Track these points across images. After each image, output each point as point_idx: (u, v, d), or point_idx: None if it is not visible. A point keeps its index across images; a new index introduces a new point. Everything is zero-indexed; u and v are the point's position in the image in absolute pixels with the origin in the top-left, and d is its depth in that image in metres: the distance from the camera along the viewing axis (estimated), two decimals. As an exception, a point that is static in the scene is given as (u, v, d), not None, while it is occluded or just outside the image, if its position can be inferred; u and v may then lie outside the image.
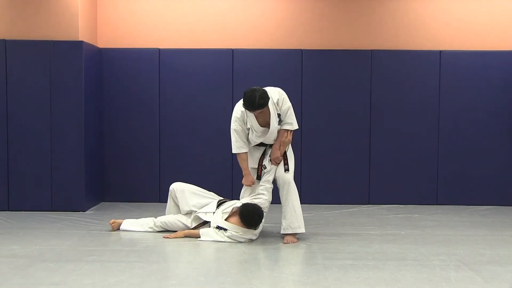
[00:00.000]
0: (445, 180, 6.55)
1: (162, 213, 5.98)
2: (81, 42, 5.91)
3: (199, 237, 4.74)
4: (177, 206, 5.17)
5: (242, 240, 4.72)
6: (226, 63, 6.52)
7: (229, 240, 4.69)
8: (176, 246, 4.57)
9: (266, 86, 6.73)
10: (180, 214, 5.07)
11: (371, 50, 6.53)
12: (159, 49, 6.49)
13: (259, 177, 4.95)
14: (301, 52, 6.51)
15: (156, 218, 5.15)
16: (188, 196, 5.04)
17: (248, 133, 4.85)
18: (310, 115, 6.51)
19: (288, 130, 4.93)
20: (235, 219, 4.75)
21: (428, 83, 6.51)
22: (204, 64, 6.52)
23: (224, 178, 6.56)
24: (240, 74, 6.50)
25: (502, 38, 6.61)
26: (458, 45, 6.61)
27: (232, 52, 6.52)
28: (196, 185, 6.62)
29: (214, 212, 4.86)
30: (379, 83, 6.51)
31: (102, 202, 6.56)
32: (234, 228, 4.70)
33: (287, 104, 4.93)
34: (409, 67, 6.51)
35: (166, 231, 5.03)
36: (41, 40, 5.91)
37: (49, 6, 5.94)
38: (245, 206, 4.68)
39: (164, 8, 6.63)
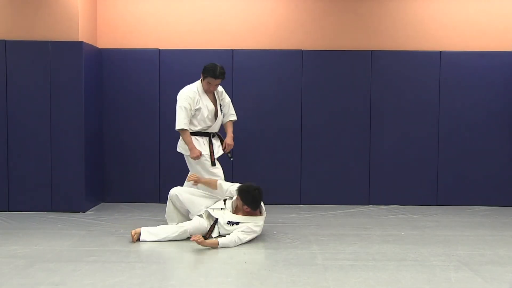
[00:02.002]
0: (445, 180, 6.55)
1: (162, 213, 5.99)
2: (81, 42, 5.91)
3: (217, 247, 4.53)
4: (178, 210, 5.15)
5: (257, 229, 4.72)
6: (226, 63, 6.50)
7: (246, 237, 4.62)
8: (176, 247, 4.57)
9: (266, 86, 6.77)
10: (202, 219, 4.87)
11: (371, 50, 6.53)
12: (159, 49, 6.49)
13: (213, 163, 5.18)
14: (301, 53, 6.51)
15: (179, 225, 4.85)
16: (196, 200, 5.02)
17: (194, 115, 5.16)
18: (310, 115, 6.51)
19: (234, 120, 5.45)
20: (240, 211, 4.79)
21: (428, 83, 6.51)
22: (204, 64, 6.49)
23: (224, 177, 6.55)
24: (240, 74, 6.50)
25: (502, 38, 6.61)
26: (458, 45, 6.61)
27: (232, 52, 6.52)
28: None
29: (222, 208, 4.87)
30: (379, 83, 6.51)
31: (102, 203, 6.56)
32: (245, 219, 4.71)
33: (228, 97, 5.46)
34: (409, 68, 6.51)
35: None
36: (41, 41, 5.91)
37: (49, 7, 5.94)
38: (241, 187, 4.76)
39: (164, 8, 6.64)
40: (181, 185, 6.55)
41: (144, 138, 6.54)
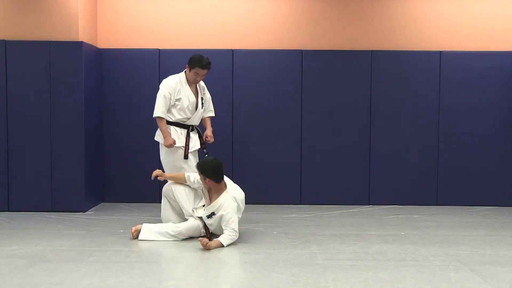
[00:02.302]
0: (445, 180, 6.55)
1: (162, 213, 5.98)
2: (81, 42, 5.91)
3: (223, 246, 4.54)
4: (173, 208, 5.13)
5: (234, 206, 4.64)
6: (226, 63, 6.52)
7: (234, 221, 4.59)
8: (176, 247, 4.57)
9: (266, 86, 6.76)
10: (197, 221, 4.86)
11: (371, 50, 6.53)
12: (159, 49, 6.49)
13: (186, 157, 5.22)
14: (301, 53, 6.51)
15: (175, 225, 4.84)
16: (190, 198, 5.03)
17: (174, 104, 5.21)
18: (310, 115, 6.51)
19: (212, 117, 5.61)
20: (213, 196, 4.78)
21: (428, 84, 6.51)
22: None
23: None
24: (240, 74, 6.51)
25: (502, 38, 6.61)
26: (458, 45, 6.61)
27: (232, 52, 6.52)
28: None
29: (204, 205, 4.89)
30: (379, 83, 6.51)
31: (102, 203, 6.56)
32: (215, 206, 4.67)
33: (208, 93, 5.56)
34: (409, 68, 6.51)
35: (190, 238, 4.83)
36: (41, 41, 5.91)
37: (49, 7, 5.94)
38: (200, 163, 4.80)
39: (164, 8, 6.64)
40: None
41: (144, 138, 6.52)
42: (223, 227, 4.65)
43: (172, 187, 5.09)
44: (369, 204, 6.57)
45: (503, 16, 6.61)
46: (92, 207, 6.26)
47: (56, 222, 5.50)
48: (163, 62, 6.49)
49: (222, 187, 4.80)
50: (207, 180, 4.73)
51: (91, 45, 6.26)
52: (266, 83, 6.53)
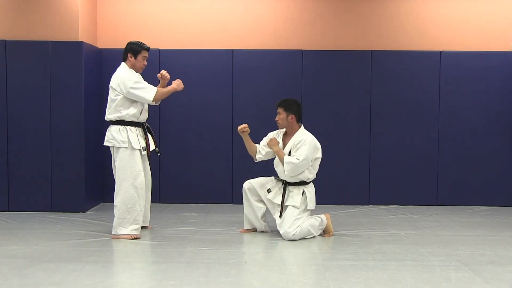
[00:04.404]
0: (445, 180, 6.55)
1: (162, 213, 6.00)
2: (81, 42, 5.91)
3: (283, 161, 4.86)
4: (252, 206, 5.07)
5: (316, 149, 4.95)
6: (226, 63, 6.51)
7: (301, 154, 4.81)
8: (176, 247, 4.57)
9: (266, 86, 6.77)
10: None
11: (371, 50, 6.53)
12: (159, 49, 6.49)
13: (149, 157, 4.98)
14: (301, 53, 6.51)
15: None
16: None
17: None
18: (310, 115, 6.50)
19: None
20: (287, 139, 5.00)
21: (428, 84, 6.51)
22: (204, 64, 6.52)
23: (224, 177, 6.57)
24: (240, 74, 6.51)
25: (502, 38, 6.61)
26: (458, 45, 6.61)
27: (232, 53, 6.52)
28: (197, 184, 6.66)
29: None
30: (379, 83, 6.51)
31: (102, 203, 6.56)
32: (298, 140, 4.88)
33: None
34: (409, 68, 6.51)
35: None
36: (41, 41, 5.91)
37: (49, 7, 5.94)
38: (284, 102, 4.97)
39: (164, 8, 6.64)
40: (181, 185, 6.58)
41: (144, 138, 6.53)
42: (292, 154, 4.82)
43: (252, 182, 5.10)
44: (369, 204, 6.57)
45: (503, 16, 6.61)
46: (92, 207, 6.25)
47: (56, 222, 5.50)
48: (163, 62, 6.48)
49: (297, 127, 4.99)
50: (290, 117, 4.92)
51: (91, 45, 6.26)
52: (266, 83, 6.53)
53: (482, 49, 6.58)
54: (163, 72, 5.03)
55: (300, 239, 4.81)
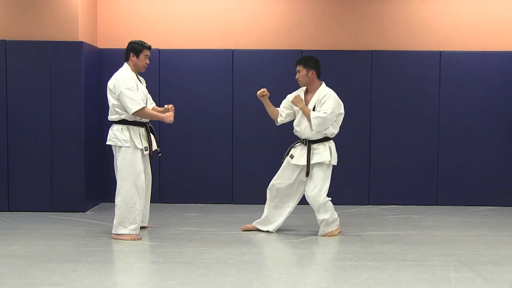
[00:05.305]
0: (445, 180, 6.55)
1: (162, 213, 6.00)
2: (81, 42, 5.91)
3: (309, 117, 4.90)
4: (277, 207, 5.11)
5: (339, 104, 4.99)
6: (226, 63, 6.51)
7: (328, 108, 4.88)
8: (176, 247, 4.57)
9: (266, 86, 6.75)
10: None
11: (371, 50, 6.53)
12: (159, 49, 6.49)
13: (151, 158, 4.95)
14: (301, 53, 6.50)
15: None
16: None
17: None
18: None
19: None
20: (308, 95, 5.02)
21: (428, 83, 6.51)
22: (204, 64, 6.52)
23: (224, 177, 6.57)
24: (240, 74, 6.50)
25: (502, 38, 6.61)
26: (458, 45, 6.61)
27: (232, 52, 6.52)
28: (197, 184, 6.66)
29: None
30: (379, 83, 6.51)
31: (102, 203, 6.56)
32: (321, 95, 4.93)
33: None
34: (409, 67, 6.51)
35: None
36: (41, 41, 5.91)
37: (49, 7, 5.94)
38: (303, 60, 5.09)
39: (164, 8, 6.63)
40: (181, 185, 6.57)
41: (144, 138, 6.53)
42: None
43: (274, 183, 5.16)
44: (369, 204, 6.57)
45: (503, 16, 6.61)
46: (92, 207, 6.25)
47: (56, 222, 5.50)
48: (163, 62, 6.49)
49: (319, 84, 5.01)
50: (310, 73, 4.95)
51: (91, 45, 6.26)
52: (266, 83, 6.49)
53: (482, 49, 6.58)
54: (171, 107, 4.98)
55: (323, 211, 4.84)
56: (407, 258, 4.26)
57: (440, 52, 6.51)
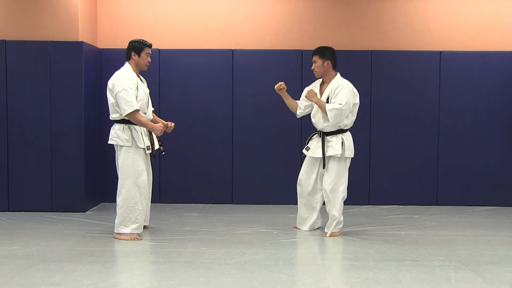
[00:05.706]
0: (445, 180, 6.55)
1: (162, 213, 6.00)
2: (81, 42, 5.91)
3: (325, 109, 4.89)
4: (307, 203, 5.19)
5: (354, 94, 4.93)
6: (226, 63, 6.51)
7: (342, 98, 4.82)
8: (176, 247, 4.57)
9: (266, 86, 6.76)
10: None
11: (371, 50, 6.53)
12: (159, 49, 6.49)
13: (154, 156, 4.98)
14: (301, 53, 6.51)
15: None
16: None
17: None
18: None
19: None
20: (323, 86, 5.03)
21: (428, 83, 6.51)
22: (204, 64, 6.52)
23: (224, 177, 6.57)
24: (240, 74, 6.50)
25: (502, 38, 6.61)
26: (458, 45, 6.61)
27: (232, 52, 6.52)
28: (197, 184, 6.66)
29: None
30: (379, 83, 6.51)
31: (102, 203, 6.56)
32: (334, 86, 4.90)
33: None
34: (409, 67, 6.51)
35: None
36: (41, 41, 5.91)
37: (49, 7, 5.94)
38: (319, 50, 4.99)
39: (164, 8, 6.64)
40: (181, 185, 6.57)
41: (144, 138, 6.53)
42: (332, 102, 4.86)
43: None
44: (369, 204, 6.57)
45: (503, 16, 6.61)
46: (92, 207, 6.25)
47: (56, 222, 5.50)
48: (163, 62, 6.49)
49: (334, 74, 4.99)
50: (326, 63, 4.92)
51: (91, 45, 6.26)
52: (266, 83, 6.52)
53: (482, 49, 6.58)
54: (172, 125, 5.05)
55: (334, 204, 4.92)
56: (407, 258, 4.26)
57: (440, 52, 6.51)
